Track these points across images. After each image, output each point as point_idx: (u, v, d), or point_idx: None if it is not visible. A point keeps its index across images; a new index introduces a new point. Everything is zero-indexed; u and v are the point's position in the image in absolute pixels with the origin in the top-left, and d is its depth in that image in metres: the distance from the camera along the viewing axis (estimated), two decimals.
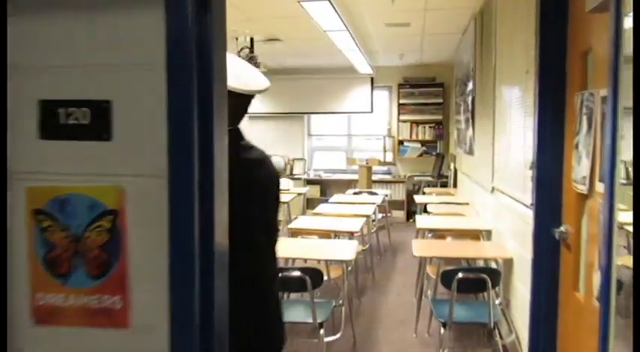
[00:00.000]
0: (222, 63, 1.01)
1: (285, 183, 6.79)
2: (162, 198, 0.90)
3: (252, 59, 5.79)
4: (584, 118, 2.03)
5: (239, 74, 1.35)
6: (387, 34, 5.84)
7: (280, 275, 2.77)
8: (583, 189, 2.03)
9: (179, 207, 0.90)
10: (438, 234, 3.72)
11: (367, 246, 4.81)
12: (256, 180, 1.43)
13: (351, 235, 3.96)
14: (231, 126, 1.18)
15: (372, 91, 8.46)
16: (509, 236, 3.27)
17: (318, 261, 3.40)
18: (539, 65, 2.36)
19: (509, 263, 3.12)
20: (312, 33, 5.40)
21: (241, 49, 5.83)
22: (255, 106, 7.73)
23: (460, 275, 2.68)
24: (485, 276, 2.66)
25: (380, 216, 6.71)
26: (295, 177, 8.57)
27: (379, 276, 5.13)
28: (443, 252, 3.32)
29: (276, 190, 1.52)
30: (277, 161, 8.75)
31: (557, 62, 2.29)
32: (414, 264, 5.35)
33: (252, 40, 5.98)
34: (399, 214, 8.26)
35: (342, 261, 3.29)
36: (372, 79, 8.42)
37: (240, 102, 1.39)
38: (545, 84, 2.34)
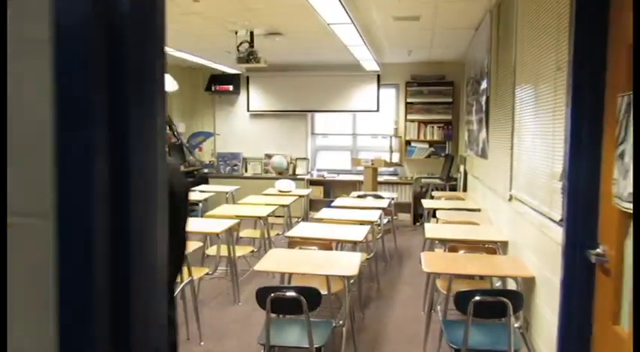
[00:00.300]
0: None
1: (287, 184, 6.49)
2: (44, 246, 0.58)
3: (251, 54, 5.42)
4: (629, 124, 1.71)
5: None
6: (395, 28, 5.50)
7: (272, 295, 2.47)
8: (629, 207, 1.71)
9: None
10: (450, 245, 3.40)
11: (372, 254, 4.49)
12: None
13: (354, 245, 3.65)
14: None
15: (378, 89, 8.14)
16: (529, 251, 2.95)
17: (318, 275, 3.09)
18: (573, 61, 2.04)
19: (529, 282, 2.80)
20: (316, 27, 5.08)
21: (240, 44, 5.45)
22: (257, 104, 7.39)
23: (477, 298, 2.36)
24: (506, 300, 2.34)
25: (386, 220, 6.40)
26: (298, 177, 8.27)
27: (384, 286, 4.81)
28: (455, 267, 3.00)
29: (184, 199, 1.42)
30: (279, 161, 8.45)
31: (596, 57, 1.96)
32: (422, 273, 5.04)
33: (252, 33, 5.67)
34: (406, 217, 7.94)
35: (344, 277, 2.98)
36: (378, 76, 8.09)
37: None
38: (580, 82, 2.01)
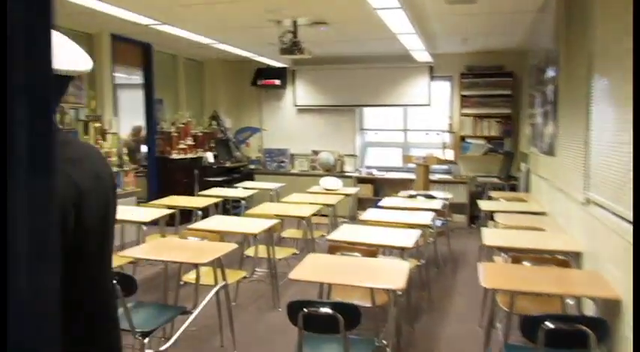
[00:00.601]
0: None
1: (333, 182, 6.17)
2: None
3: (295, 45, 5.08)
4: None
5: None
6: (448, 13, 5.05)
7: (305, 310, 2.16)
8: None
9: None
10: (512, 255, 2.97)
11: (423, 261, 4.10)
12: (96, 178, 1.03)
13: (402, 252, 3.28)
14: None
15: (430, 82, 7.67)
16: (612, 265, 2.49)
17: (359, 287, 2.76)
18: None
19: (613, 304, 2.34)
20: (363, 14, 4.73)
21: (283, 34, 5.14)
22: (304, 98, 7.05)
23: (549, 325, 1.96)
24: (587, 330, 1.92)
25: (439, 222, 5.97)
26: (346, 174, 7.94)
27: (437, 296, 4.41)
28: (520, 283, 2.58)
29: (111, 191, 1.09)
30: (326, 157, 8.15)
31: None
32: (479, 281, 4.60)
33: (295, 23, 5.38)
34: (460, 219, 7.44)
35: (389, 290, 2.63)
36: (430, 67, 7.62)
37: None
38: None
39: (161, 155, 7.13)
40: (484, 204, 5.00)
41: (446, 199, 5.49)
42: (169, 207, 4.60)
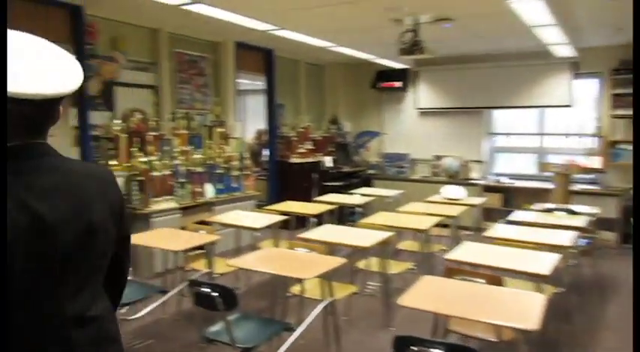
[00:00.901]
0: None
1: (455, 191, 5.67)
2: None
3: (416, 44, 4.69)
4: None
5: (17, 72, 0.93)
6: None
7: (414, 349, 1.85)
8: None
9: None
10: None
11: (562, 290, 3.50)
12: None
13: (536, 278, 2.79)
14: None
15: (572, 79, 6.76)
16: None
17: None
18: None
19: None
20: (493, 6, 4.24)
21: (404, 33, 4.78)
22: (427, 101, 6.62)
23: None
24: None
25: (584, 242, 5.20)
26: (471, 182, 7.34)
27: (579, 329, 3.76)
28: None
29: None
30: (450, 163, 7.62)
31: None
32: (630, 313, 3.86)
33: (416, 21, 5.02)
34: (609, 236, 6.43)
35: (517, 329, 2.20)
36: (574, 63, 6.71)
37: (22, 109, 0.96)
38: None
39: (281, 159, 7.22)
40: None
41: (592, 215, 4.71)
42: (283, 214, 4.55)
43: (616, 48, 6.45)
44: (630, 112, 6.38)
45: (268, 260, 3.14)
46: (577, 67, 6.74)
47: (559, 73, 6.82)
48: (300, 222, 5.08)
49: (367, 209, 5.77)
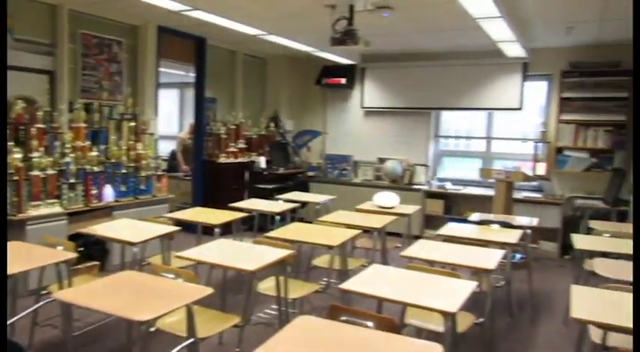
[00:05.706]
0: None
1: (388, 198, 5.12)
2: None
3: (348, 34, 4.00)
4: None
5: None
6: None
7: None
8: None
9: None
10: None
11: (480, 320, 3.02)
12: None
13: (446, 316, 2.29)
14: None
15: (523, 81, 6.39)
16: None
17: None
18: None
19: None
20: None
21: (337, 21, 4.07)
22: (373, 100, 5.93)
23: None
24: None
25: (518, 256, 4.81)
26: (413, 188, 6.89)
27: None
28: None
29: None
30: (392, 166, 7.15)
31: None
32: (568, 336, 3.46)
33: (352, 7, 4.46)
34: (550, 247, 6.09)
35: None
36: (524, 65, 6.34)
37: None
38: None
39: (209, 158, 6.59)
40: (580, 240, 3.75)
41: (529, 228, 4.29)
42: (184, 223, 3.95)
43: (566, 49, 6.11)
44: (577, 118, 6.05)
45: (114, 290, 2.44)
46: (527, 69, 6.37)
47: (509, 73, 6.45)
48: (209, 231, 4.47)
49: (307, 213, 5.20)
